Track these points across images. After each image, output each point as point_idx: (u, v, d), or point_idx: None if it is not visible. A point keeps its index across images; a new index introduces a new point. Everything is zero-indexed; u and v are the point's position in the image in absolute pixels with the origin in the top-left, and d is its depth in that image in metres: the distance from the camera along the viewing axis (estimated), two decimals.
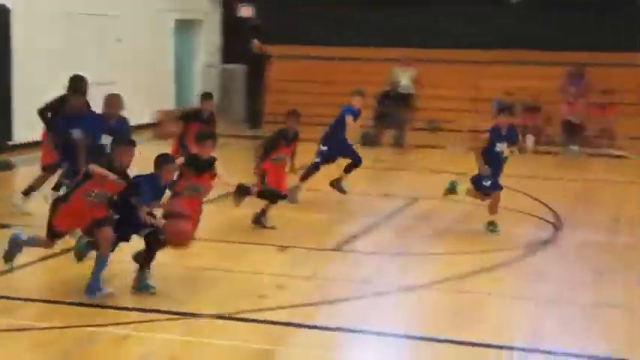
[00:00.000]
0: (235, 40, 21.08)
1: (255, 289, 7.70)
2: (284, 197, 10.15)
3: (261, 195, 9.69)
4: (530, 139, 17.61)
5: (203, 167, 8.12)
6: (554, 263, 9.00)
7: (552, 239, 9.95)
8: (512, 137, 10.16)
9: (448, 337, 6.57)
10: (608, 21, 19.34)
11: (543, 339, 6.69)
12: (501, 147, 10.01)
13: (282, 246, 9.17)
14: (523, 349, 6.43)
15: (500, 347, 6.45)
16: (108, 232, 7.13)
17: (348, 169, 11.71)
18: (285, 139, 10.10)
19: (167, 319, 6.78)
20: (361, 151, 12.30)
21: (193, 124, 10.63)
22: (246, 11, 21.67)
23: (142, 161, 7.82)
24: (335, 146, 11.61)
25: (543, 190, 12.68)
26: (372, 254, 9.22)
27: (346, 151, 11.74)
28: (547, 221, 10.75)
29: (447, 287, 8.01)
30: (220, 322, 6.86)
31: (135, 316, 6.86)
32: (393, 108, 17.90)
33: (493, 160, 9.96)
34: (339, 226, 10.41)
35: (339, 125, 11.70)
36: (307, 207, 11.20)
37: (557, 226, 10.51)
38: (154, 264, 7.45)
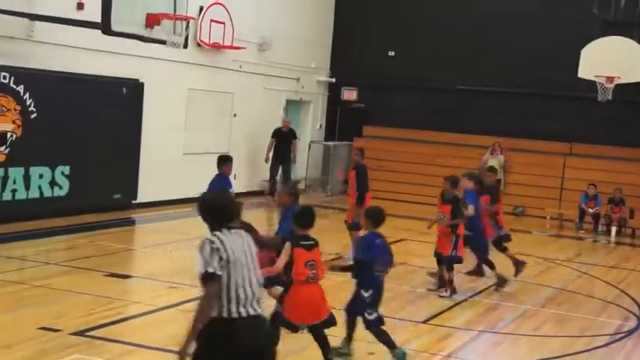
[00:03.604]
0: (339, 120, 21.10)
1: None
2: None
3: None
4: (613, 231, 16.92)
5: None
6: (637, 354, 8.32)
7: (637, 330, 9.26)
8: None
9: None
10: None
11: None
12: None
13: None
14: None
15: None
16: None
17: None
18: None
19: None
20: None
21: None
22: (349, 95, 21.71)
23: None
24: None
25: (627, 282, 11.94)
26: (459, 330, 8.74)
27: None
28: (632, 312, 10.04)
29: None
30: None
31: None
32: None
33: None
34: (431, 299, 9.99)
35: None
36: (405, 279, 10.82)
37: None
38: None
